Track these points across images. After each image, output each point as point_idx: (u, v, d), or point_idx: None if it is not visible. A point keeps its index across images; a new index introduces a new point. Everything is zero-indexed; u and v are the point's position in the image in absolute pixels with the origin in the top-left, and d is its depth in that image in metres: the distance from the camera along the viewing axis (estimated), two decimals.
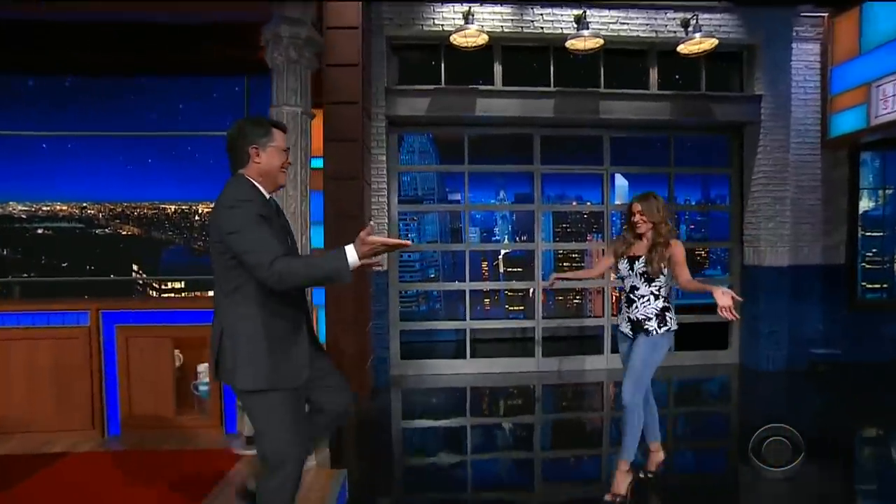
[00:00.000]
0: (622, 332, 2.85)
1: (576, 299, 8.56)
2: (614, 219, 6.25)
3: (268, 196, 1.86)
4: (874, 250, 5.87)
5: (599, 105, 5.38)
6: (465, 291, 5.69)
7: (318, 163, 4.66)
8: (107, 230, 4.72)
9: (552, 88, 5.38)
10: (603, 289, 5.93)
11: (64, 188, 4.60)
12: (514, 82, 5.38)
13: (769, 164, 5.48)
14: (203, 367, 3.43)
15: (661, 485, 2.96)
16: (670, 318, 2.72)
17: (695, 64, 5.47)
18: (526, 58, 5.49)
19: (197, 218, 5.05)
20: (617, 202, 6.20)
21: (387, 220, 5.29)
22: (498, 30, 5.17)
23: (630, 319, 2.77)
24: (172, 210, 4.85)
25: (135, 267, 4.77)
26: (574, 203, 6.85)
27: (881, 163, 5.89)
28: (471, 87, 5.31)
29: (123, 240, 4.74)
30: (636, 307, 2.73)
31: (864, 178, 5.78)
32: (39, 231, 4.64)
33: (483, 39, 4.95)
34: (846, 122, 5.27)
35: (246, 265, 1.68)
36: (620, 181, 6.70)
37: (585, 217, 7.30)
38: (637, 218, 2.73)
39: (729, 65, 5.68)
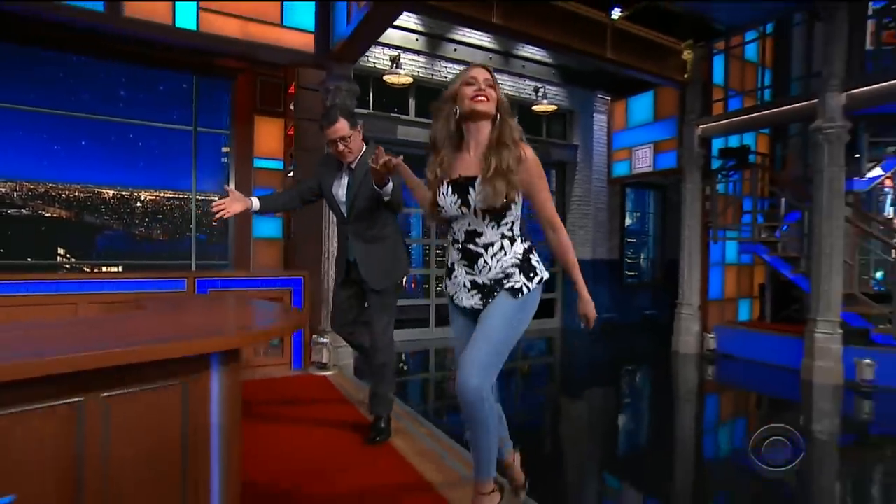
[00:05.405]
0: (460, 307, 1.79)
1: None
2: None
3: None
4: (631, 251, 9.19)
5: None
6: None
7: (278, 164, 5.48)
8: (23, 211, 4.53)
9: None
10: None
11: None
12: (425, 115, 6.92)
13: (580, 192, 8.21)
14: None
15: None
16: (537, 262, 1.75)
17: (538, 119, 7.89)
18: (434, 97, 7.05)
19: (139, 205, 5.23)
20: None
21: None
22: (415, 73, 6.66)
23: (477, 284, 1.73)
24: (111, 195, 5.00)
25: (61, 251, 4.77)
26: None
27: (636, 195, 9.28)
28: (393, 115, 6.66)
29: (47, 222, 4.60)
30: (484, 264, 1.70)
31: (627, 204, 9.05)
32: None
33: (408, 80, 6.39)
34: (619, 169, 8.31)
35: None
36: None
37: None
38: (479, 89, 1.68)
39: (559, 120, 8.29)
